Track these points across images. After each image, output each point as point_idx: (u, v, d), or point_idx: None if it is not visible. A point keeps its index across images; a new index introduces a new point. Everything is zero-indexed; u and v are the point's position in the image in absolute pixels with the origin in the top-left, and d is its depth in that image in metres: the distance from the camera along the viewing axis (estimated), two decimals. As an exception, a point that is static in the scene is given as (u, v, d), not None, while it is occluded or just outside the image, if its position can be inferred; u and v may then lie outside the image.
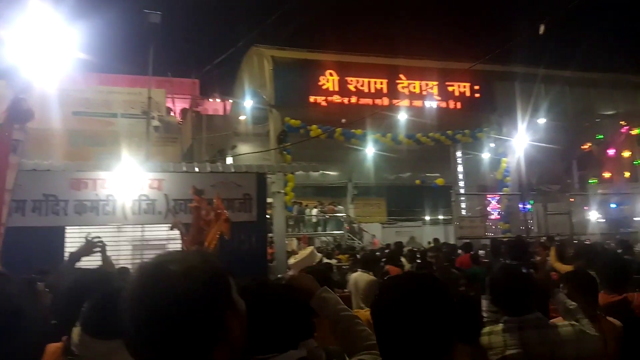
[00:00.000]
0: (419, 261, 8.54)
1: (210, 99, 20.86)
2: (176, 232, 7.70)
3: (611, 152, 19.68)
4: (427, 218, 25.52)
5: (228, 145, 17.33)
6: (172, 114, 22.73)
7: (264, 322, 1.61)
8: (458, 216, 14.36)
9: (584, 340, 2.52)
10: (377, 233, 22.84)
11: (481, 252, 10.16)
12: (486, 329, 2.68)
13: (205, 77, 23.23)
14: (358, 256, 8.48)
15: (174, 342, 0.95)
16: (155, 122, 16.72)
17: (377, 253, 9.99)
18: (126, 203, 8.82)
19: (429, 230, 24.16)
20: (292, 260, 4.65)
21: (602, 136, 20.11)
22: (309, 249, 4.67)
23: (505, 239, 10.89)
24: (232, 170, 10.18)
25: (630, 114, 17.60)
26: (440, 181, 18.61)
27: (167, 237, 8.54)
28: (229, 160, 15.97)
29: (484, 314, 3.07)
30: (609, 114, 17.60)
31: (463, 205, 15.75)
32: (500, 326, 2.63)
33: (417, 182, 20.10)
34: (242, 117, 16.89)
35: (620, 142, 19.13)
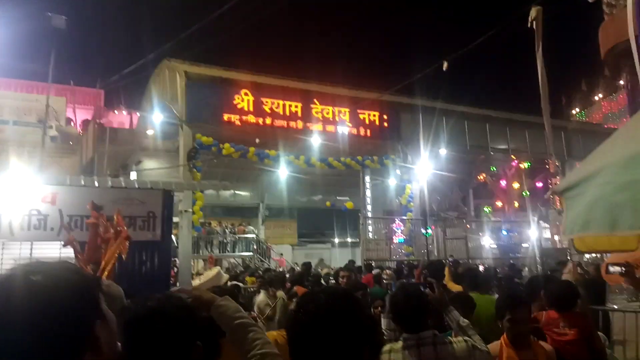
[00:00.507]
0: (332, 281, 8.60)
1: (115, 111, 19.79)
2: (70, 250, 7.11)
3: (503, 183, 21.48)
4: (336, 240, 25.97)
5: (133, 160, 16.49)
6: (72, 124, 21.26)
7: (160, 341, 1.45)
8: (365, 239, 14.76)
9: (476, 355, 2.67)
10: (288, 255, 22.79)
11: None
12: (387, 347, 2.75)
13: (111, 88, 22.04)
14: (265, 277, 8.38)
15: (40, 352, 0.94)
16: (53, 132, 15.50)
17: (287, 274, 9.97)
18: (13, 218, 8.00)
19: (337, 252, 24.58)
20: (196, 282, 4.45)
21: (495, 168, 21.93)
22: (215, 269, 4.48)
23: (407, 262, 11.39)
24: (136, 186, 9.64)
25: (519, 150, 19.41)
26: (349, 205, 19.10)
27: (59, 256, 7.85)
28: (133, 176, 15.17)
29: (384, 332, 3.15)
30: (501, 148, 19.27)
31: (370, 228, 16.25)
32: (400, 343, 2.71)
33: (328, 204, 20.45)
34: (149, 132, 16.17)
35: (511, 175, 20.96)
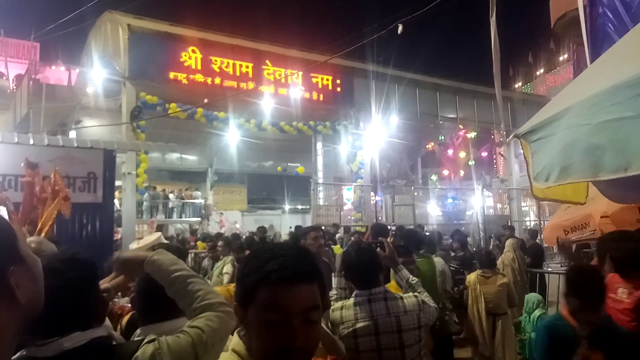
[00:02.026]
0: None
1: (52, 66, 18.46)
2: (3, 210, 6.63)
3: (450, 152, 22.01)
4: (287, 207, 25.96)
5: (72, 119, 15.54)
6: (4, 78, 19.77)
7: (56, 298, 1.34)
8: (316, 205, 14.76)
9: (425, 310, 2.70)
10: (238, 220, 22.58)
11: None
12: (337, 304, 2.71)
13: (47, 40, 20.54)
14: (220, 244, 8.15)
15: None
16: (-19, 86, 14.29)
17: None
18: (-63, 176, 7.37)
19: (288, 218, 24.61)
20: (134, 245, 4.19)
21: (443, 137, 22.39)
22: (156, 234, 4.22)
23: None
24: (75, 145, 9.08)
25: (467, 119, 19.83)
26: (301, 170, 18.99)
27: (-10, 216, 7.31)
28: (73, 135, 14.32)
29: (333, 292, 3.13)
30: (450, 117, 19.62)
31: (321, 194, 16.26)
32: (351, 300, 2.67)
33: (279, 169, 20.26)
34: (89, 89, 15.21)
35: (458, 144, 21.49)
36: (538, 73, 32.42)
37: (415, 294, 2.80)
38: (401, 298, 2.68)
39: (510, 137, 2.43)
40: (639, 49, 2.05)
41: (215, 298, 1.58)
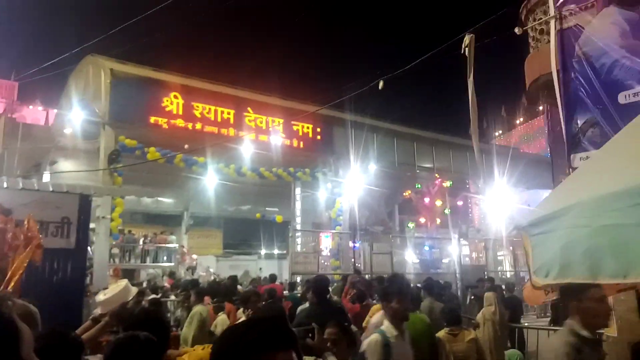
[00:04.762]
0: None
1: (30, 106, 18.27)
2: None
3: (426, 200, 22.27)
4: (263, 252, 25.58)
5: (47, 160, 15.24)
6: (-22, 117, 19.37)
7: None
8: (293, 252, 14.61)
9: None
10: (212, 266, 22.10)
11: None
12: None
13: (26, 81, 20.36)
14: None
15: None
16: (-46, 124, 13.97)
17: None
18: None
19: (263, 264, 24.20)
20: (101, 297, 4.02)
21: (420, 186, 22.71)
22: (122, 282, 4.07)
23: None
24: (50, 189, 8.87)
25: (443, 169, 20.28)
26: (279, 218, 18.89)
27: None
28: (47, 177, 14.01)
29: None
30: (427, 167, 20.02)
31: (299, 241, 16.13)
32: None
33: (258, 215, 20.08)
34: (67, 130, 15.02)
35: (434, 193, 21.80)
36: (513, 124, 33.69)
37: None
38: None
39: (511, 229, 2.51)
40: (637, 147, 2.16)
41: None
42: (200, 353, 3.09)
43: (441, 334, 5.35)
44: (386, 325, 3.26)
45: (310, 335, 2.85)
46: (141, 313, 2.93)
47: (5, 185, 8.15)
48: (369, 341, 3.16)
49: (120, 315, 3.64)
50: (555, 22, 6.30)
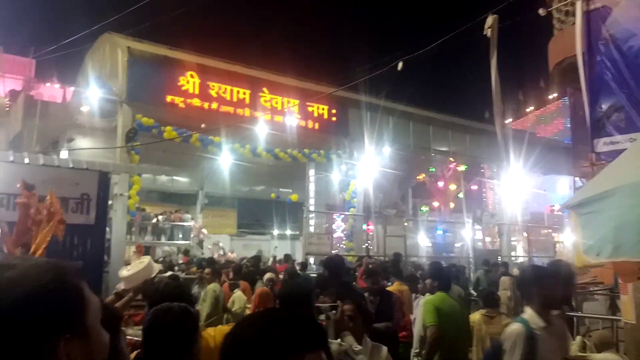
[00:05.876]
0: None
1: (47, 84, 18.43)
2: (-4, 231, 6.48)
3: (440, 184, 22.17)
4: (276, 232, 25.79)
5: (64, 137, 15.41)
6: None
7: None
8: (307, 232, 14.70)
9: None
10: (226, 245, 22.36)
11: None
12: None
13: (44, 58, 20.49)
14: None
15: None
16: (-26, 100, 14.17)
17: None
18: None
19: (276, 244, 24.42)
20: (124, 273, 4.09)
21: (434, 169, 22.58)
22: (145, 259, 4.12)
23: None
24: (71, 165, 9.00)
25: (458, 153, 20.11)
26: (294, 197, 18.96)
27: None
28: (64, 154, 14.18)
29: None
30: (442, 150, 19.87)
31: (312, 222, 16.21)
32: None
33: (273, 196, 20.17)
34: (84, 108, 15.14)
35: (448, 177, 21.67)
36: (528, 110, 33.22)
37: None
38: None
39: (562, 206, 2.51)
40: None
41: None
42: (226, 330, 3.14)
43: (477, 316, 5.34)
44: (529, 314, 2.89)
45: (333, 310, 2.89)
46: (167, 287, 2.99)
47: (26, 160, 8.28)
48: (509, 331, 2.90)
49: (144, 291, 3.74)
50: (582, 2, 6.15)
